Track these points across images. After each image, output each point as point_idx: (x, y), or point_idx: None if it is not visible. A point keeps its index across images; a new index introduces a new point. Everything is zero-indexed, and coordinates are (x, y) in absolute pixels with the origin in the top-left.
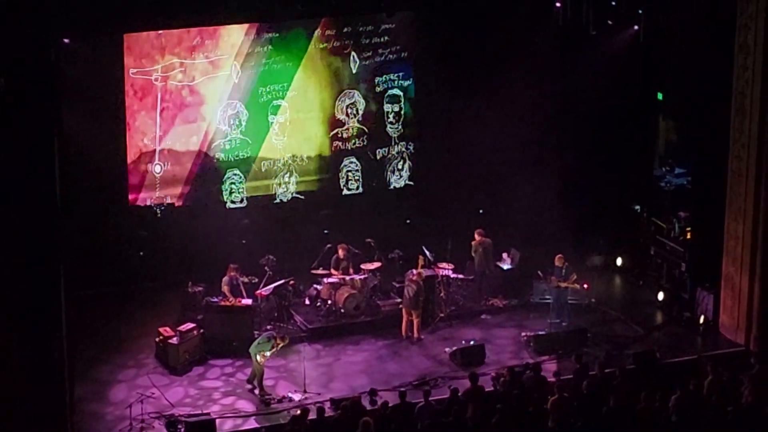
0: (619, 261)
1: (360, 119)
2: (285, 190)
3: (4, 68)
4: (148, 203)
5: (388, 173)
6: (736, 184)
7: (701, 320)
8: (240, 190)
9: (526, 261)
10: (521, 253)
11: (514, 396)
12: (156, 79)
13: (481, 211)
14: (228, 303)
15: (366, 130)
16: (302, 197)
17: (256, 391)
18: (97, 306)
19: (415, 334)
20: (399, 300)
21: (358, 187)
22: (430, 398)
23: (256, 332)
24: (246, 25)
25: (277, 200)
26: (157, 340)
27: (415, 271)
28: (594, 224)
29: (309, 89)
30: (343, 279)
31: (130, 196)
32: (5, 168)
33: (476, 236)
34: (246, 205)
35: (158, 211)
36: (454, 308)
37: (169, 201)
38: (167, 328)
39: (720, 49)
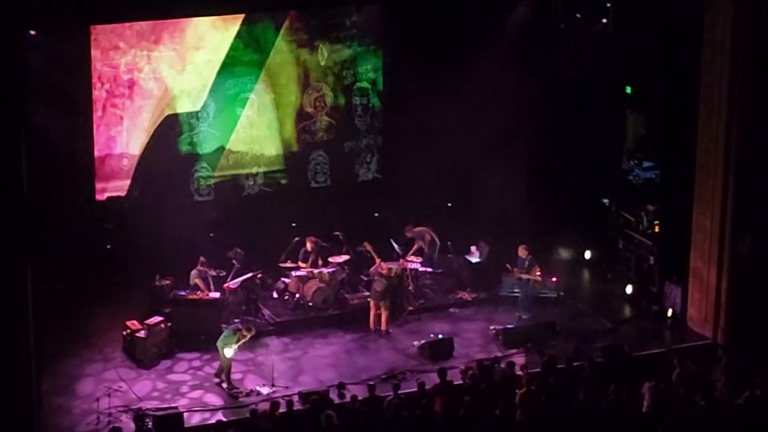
0: (587, 254)
1: (328, 112)
2: (253, 183)
3: None
4: (116, 195)
5: (357, 166)
6: (704, 178)
7: (669, 313)
8: (207, 183)
9: (495, 254)
10: (490, 246)
11: (482, 389)
12: (123, 72)
13: (449, 204)
14: (196, 296)
15: (334, 123)
16: (270, 190)
17: (224, 385)
18: (63, 299)
19: (383, 327)
20: (367, 293)
21: (326, 180)
22: (399, 392)
23: (223, 325)
24: (214, 18)
25: (245, 193)
26: (124, 333)
27: (384, 265)
28: (562, 217)
29: (277, 82)
30: (311, 272)
31: (97, 189)
32: None
33: (408, 233)
34: (213, 198)
35: (125, 204)
36: (423, 301)
37: (136, 194)
38: (135, 322)
39: (688, 44)
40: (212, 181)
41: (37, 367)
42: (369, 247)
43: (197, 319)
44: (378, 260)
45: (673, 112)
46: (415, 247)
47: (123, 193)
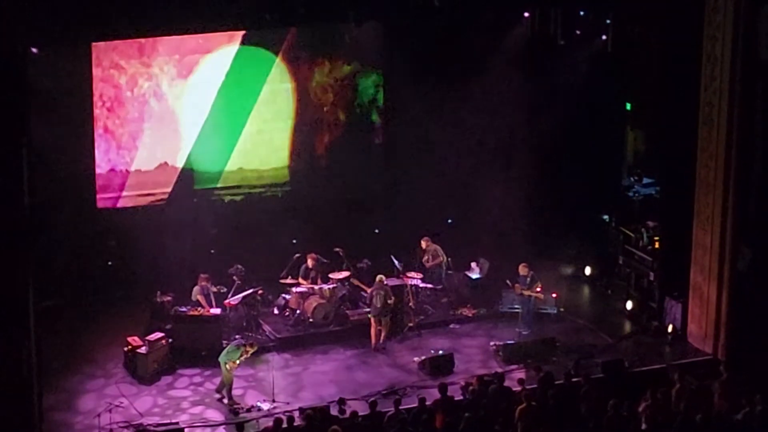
0: (587, 270)
1: (328, 128)
2: (253, 198)
3: None
4: (119, 205)
5: (357, 182)
6: (703, 194)
7: (669, 329)
8: (209, 199)
9: (495, 270)
10: (490, 262)
11: (483, 405)
12: (124, 89)
13: (450, 220)
14: (196, 312)
15: (334, 139)
16: (270, 205)
17: (225, 401)
18: (65, 316)
19: (381, 341)
20: (368, 309)
21: (326, 196)
22: (400, 407)
23: (224, 342)
24: (214, 35)
25: (246, 209)
26: (125, 349)
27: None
28: (563, 234)
29: (277, 99)
30: (312, 288)
31: (99, 204)
32: None
33: (423, 243)
34: (215, 214)
35: (135, 214)
36: (423, 317)
37: (139, 209)
38: (136, 338)
39: (688, 60)
40: (213, 197)
41: (39, 383)
42: (357, 281)
43: (198, 335)
44: (369, 290)
45: (673, 128)
46: (425, 258)
47: (125, 205)
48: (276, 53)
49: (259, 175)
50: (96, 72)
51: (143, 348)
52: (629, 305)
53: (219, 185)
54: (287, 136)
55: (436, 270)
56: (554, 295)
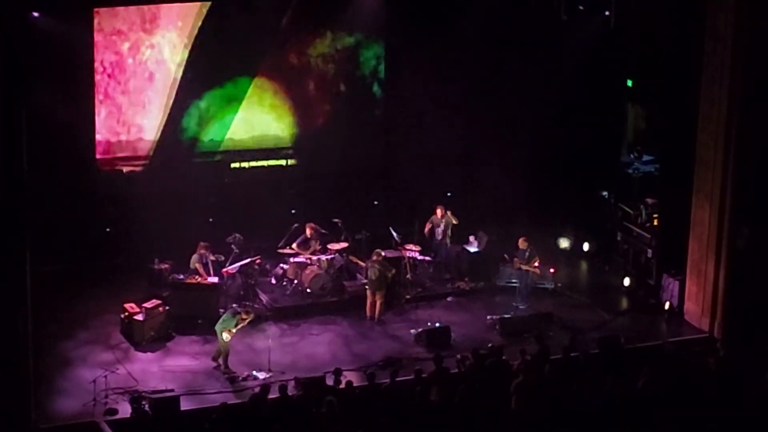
0: (585, 246)
1: (329, 100)
2: (253, 168)
3: None
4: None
5: (357, 154)
6: (703, 172)
7: (666, 306)
8: (208, 167)
9: (493, 244)
10: (488, 236)
11: (478, 378)
12: (126, 56)
13: (449, 193)
14: (194, 280)
15: (335, 110)
16: (270, 176)
17: (221, 369)
18: (62, 282)
19: (376, 316)
20: (365, 281)
21: (326, 167)
22: (396, 379)
23: (221, 310)
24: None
25: (245, 178)
26: (122, 316)
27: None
28: (562, 209)
29: (278, 69)
30: (310, 259)
31: (100, 170)
32: None
33: (438, 211)
34: (214, 183)
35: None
36: (420, 290)
37: (138, 176)
38: (133, 305)
39: (690, 36)
40: (213, 162)
41: (35, 349)
42: (354, 257)
43: (195, 303)
44: (365, 263)
45: (674, 105)
46: (440, 228)
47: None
48: (279, 22)
49: (259, 144)
50: (98, 38)
51: (140, 315)
52: (627, 282)
53: (218, 154)
54: (287, 106)
55: (441, 242)
56: (552, 270)
